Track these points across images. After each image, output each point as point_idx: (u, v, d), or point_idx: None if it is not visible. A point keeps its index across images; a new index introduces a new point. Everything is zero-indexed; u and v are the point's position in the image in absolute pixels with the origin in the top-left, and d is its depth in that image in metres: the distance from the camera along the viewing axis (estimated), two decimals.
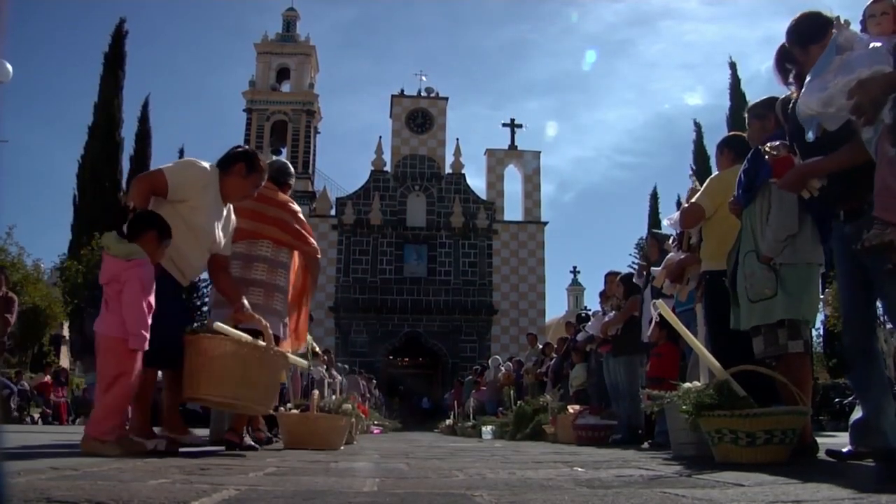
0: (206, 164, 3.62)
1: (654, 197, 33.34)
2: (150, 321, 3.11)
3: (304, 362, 4.83)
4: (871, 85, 2.45)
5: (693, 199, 4.04)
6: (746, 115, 3.69)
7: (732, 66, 30.27)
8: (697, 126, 31.46)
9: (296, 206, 4.51)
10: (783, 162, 3.02)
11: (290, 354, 4.07)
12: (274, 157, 4.84)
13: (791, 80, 3.13)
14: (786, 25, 3.06)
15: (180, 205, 3.47)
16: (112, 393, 3.04)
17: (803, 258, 3.26)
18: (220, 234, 3.67)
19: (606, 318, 6.66)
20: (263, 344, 3.44)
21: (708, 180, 4.09)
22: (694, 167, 29.26)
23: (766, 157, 3.10)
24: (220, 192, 3.63)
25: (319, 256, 4.65)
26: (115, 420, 3.04)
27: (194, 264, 3.66)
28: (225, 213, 3.73)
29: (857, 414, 3.02)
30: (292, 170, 4.78)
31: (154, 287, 3.16)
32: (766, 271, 3.25)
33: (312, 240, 4.49)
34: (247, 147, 3.92)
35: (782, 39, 3.12)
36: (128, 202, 3.30)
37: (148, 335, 3.09)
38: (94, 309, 3.21)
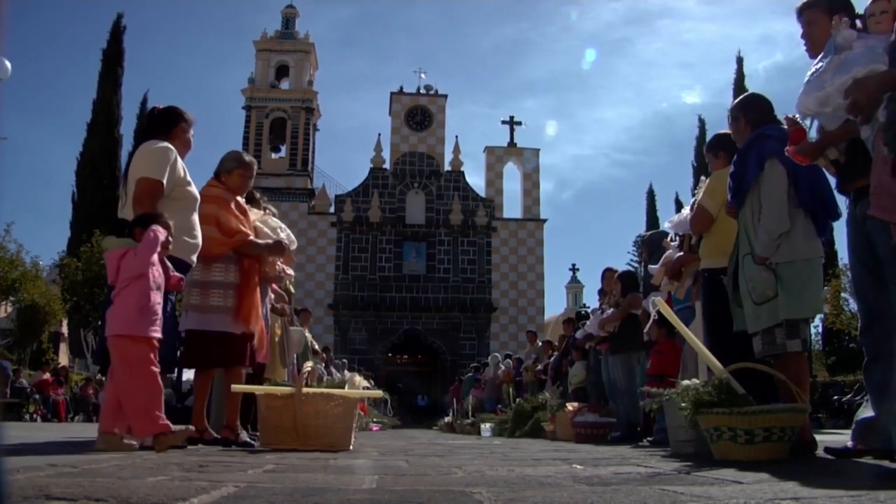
0: (157, 143, 3.65)
1: (651, 195, 33.35)
2: (158, 315, 3.17)
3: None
4: (867, 83, 2.44)
5: (697, 203, 4.04)
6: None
7: (739, 60, 29.84)
8: (701, 122, 31.24)
9: (223, 193, 4.19)
10: (800, 133, 2.96)
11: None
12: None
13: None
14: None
15: (175, 190, 3.59)
16: (134, 390, 3.08)
17: (800, 255, 3.25)
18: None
19: (604, 316, 6.66)
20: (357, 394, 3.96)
21: (707, 181, 4.09)
22: (695, 164, 29.16)
23: (788, 125, 3.06)
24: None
25: (250, 239, 4.17)
26: (154, 415, 3.06)
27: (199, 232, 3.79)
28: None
29: (866, 412, 2.97)
30: (235, 155, 4.38)
31: (160, 283, 3.22)
32: (765, 272, 3.24)
33: (235, 227, 4.10)
34: (169, 106, 3.87)
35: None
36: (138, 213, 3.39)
37: (159, 312, 3.16)
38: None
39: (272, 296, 5.24)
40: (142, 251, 3.10)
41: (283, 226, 4.64)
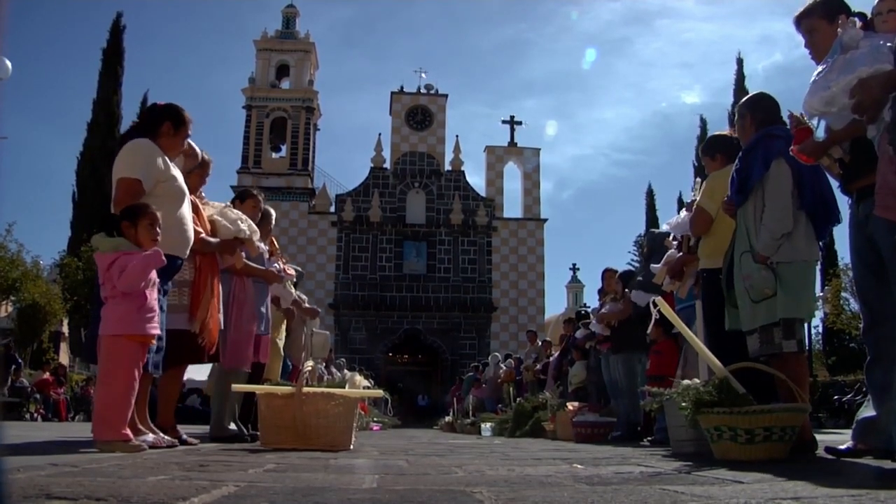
0: (135, 141, 3.57)
1: (650, 195, 33.43)
2: (155, 312, 3.13)
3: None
4: (871, 84, 2.43)
5: (697, 205, 4.03)
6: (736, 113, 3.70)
7: (739, 62, 30.13)
8: (703, 122, 31.27)
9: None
10: (805, 131, 2.95)
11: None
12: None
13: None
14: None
15: (159, 187, 3.49)
16: (109, 390, 3.04)
17: (800, 256, 3.26)
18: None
19: (604, 310, 6.66)
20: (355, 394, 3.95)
21: (706, 181, 4.08)
22: (696, 164, 29.23)
23: (791, 124, 3.05)
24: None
25: (202, 236, 3.99)
26: (117, 422, 3.00)
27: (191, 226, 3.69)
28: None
29: (867, 412, 2.96)
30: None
31: (154, 280, 3.17)
32: (764, 271, 3.24)
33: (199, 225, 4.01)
34: (167, 103, 3.72)
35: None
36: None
37: (154, 322, 3.11)
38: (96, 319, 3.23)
39: (292, 296, 5.21)
40: (132, 273, 3.01)
41: (244, 217, 4.41)
